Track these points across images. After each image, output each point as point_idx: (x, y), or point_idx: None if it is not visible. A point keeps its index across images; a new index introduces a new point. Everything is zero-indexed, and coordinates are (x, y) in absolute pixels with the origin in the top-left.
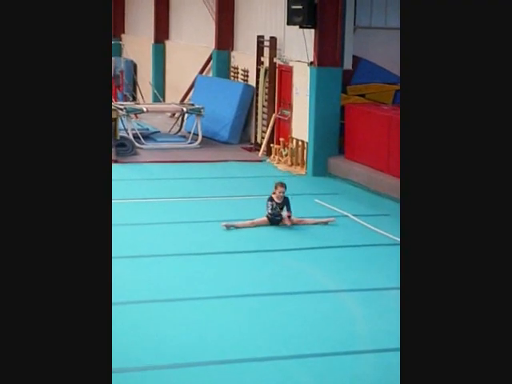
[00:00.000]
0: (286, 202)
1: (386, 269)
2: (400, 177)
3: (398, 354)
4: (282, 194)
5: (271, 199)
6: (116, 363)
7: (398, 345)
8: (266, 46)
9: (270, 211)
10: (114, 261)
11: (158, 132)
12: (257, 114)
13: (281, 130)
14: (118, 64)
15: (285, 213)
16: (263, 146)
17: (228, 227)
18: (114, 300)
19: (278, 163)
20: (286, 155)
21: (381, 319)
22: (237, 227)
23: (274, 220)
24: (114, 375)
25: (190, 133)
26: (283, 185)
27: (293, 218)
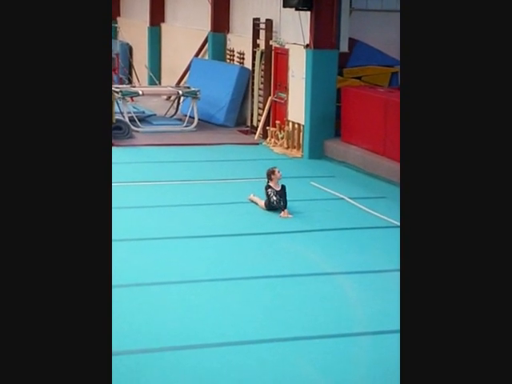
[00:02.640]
0: (284, 190)
1: (382, 251)
2: (400, 160)
3: (393, 336)
4: (280, 176)
5: (269, 187)
6: (114, 346)
7: (394, 327)
8: (262, 28)
9: (274, 198)
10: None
11: (154, 115)
12: (253, 96)
13: (277, 112)
14: (113, 47)
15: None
16: (259, 129)
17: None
18: (112, 283)
19: (274, 146)
20: (282, 138)
21: (377, 301)
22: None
23: (272, 209)
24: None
25: (185, 116)
26: (276, 167)
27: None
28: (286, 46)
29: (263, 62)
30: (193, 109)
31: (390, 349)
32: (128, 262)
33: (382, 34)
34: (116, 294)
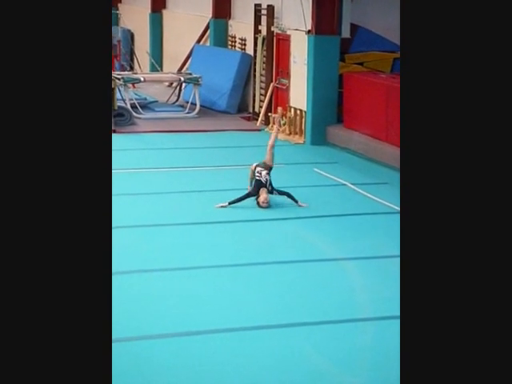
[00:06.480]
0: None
1: (385, 237)
2: (400, 146)
3: (397, 322)
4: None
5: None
6: (115, 333)
7: (397, 312)
8: (264, 14)
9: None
10: (112, 231)
11: (156, 102)
12: (255, 83)
13: (279, 98)
14: (115, 33)
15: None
16: (261, 116)
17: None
18: (113, 270)
19: None
20: (285, 124)
21: (381, 287)
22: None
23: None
24: (113, 345)
25: (187, 102)
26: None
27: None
28: (288, 32)
29: (265, 48)
30: (195, 95)
31: (394, 334)
32: (128, 248)
33: (384, 19)
34: (116, 280)
